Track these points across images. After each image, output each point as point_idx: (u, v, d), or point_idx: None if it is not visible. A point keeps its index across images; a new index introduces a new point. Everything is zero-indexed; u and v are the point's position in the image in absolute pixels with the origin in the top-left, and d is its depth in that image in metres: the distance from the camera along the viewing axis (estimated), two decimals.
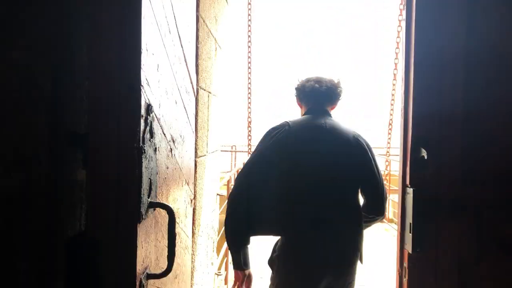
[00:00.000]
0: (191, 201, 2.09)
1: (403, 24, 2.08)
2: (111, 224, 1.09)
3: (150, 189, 1.22)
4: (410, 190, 2.02)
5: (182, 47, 1.73)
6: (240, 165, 7.67)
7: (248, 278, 2.04)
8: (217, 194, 3.32)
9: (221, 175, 10.01)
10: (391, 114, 8.64)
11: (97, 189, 1.09)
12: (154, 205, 1.23)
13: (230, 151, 10.92)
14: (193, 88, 2.07)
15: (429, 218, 1.96)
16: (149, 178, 1.21)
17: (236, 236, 2.01)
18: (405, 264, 2.02)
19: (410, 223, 1.98)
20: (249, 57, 8.17)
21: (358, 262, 2.08)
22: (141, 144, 1.12)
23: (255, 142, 2.88)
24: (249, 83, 8.17)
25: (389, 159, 8.70)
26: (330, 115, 2.12)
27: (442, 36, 1.93)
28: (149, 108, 1.18)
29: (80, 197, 1.16)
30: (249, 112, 8.28)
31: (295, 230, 1.96)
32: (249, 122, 8.32)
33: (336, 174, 2.00)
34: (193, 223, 2.34)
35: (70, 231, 1.16)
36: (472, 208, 1.84)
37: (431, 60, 1.96)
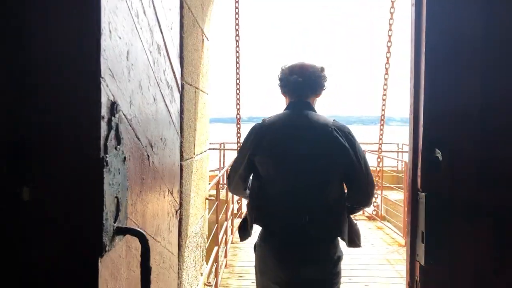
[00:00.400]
0: (176, 212, 1.83)
1: (413, 12, 1.87)
2: (63, 261, 0.83)
3: (118, 210, 0.96)
4: (422, 195, 1.82)
5: (162, 33, 1.46)
6: (229, 163, 7.43)
7: None
8: (206, 199, 3.05)
9: (210, 173, 9.75)
10: (383, 110, 8.44)
11: (43, 215, 0.82)
12: (122, 231, 0.96)
13: (219, 149, 10.65)
14: (177, 82, 1.80)
15: (444, 226, 1.77)
16: (116, 197, 0.94)
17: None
18: (417, 277, 1.84)
19: (423, 232, 1.78)
20: (237, 52, 7.91)
21: (342, 251, 2.11)
22: (102, 154, 0.85)
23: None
24: (238, 78, 7.90)
25: (381, 155, 8.51)
26: (311, 108, 2.14)
27: (457, 25, 1.73)
28: (113, 106, 0.92)
29: (21, 225, 0.89)
30: (238, 109, 8.03)
31: (272, 221, 2.04)
32: (238, 119, 8.07)
33: (311, 169, 2.02)
34: (180, 235, 2.08)
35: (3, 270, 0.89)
36: (492, 212, 1.67)
37: (445, 52, 1.76)
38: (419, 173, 1.89)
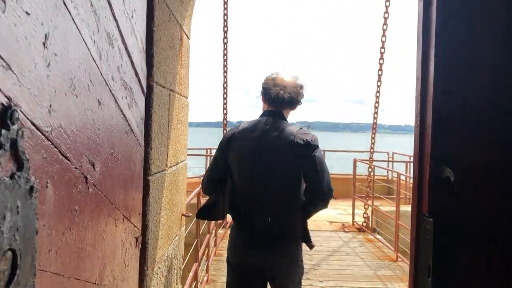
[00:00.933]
0: (137, 239, 1.51)
1: (420, 7, 1.63)
2: None
3: (15, 268, 0.64)
4: (429, 221, 1.56)
5: (116, 20, 1.16)
6: None
7: None
8: (183, 215, 2.73)
9: (196, 180, 9.38)
10: (375, 118, 8.20)
11: None
12: None
13: (205, 155, 10.32)
14: (140, 83, 1.49)
15: (456, 259, 1.51)
16: (10, 249, 0.63)
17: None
18: None
19: (429, 266, 1.52)
20: (225, 55, 7.60)
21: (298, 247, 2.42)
22: None
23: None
24: (225, 82, 7.59)
25: (373, 165, 8.26)
26: (283, 118, 2.42)
27: (473, 20, 1.48)
28: (5, 113, 0.61)
29: None
30: (225, 114, 7.72)
31: (242, 217, 2.38)
32: (225, 124, 7.76)
33: (274, 169, 2.31)
34: (144, 264, 1.76)
35: None
36: None
37: (458, 52, 1.51)
38: (425, 195, 1.63)
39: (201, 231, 5.46)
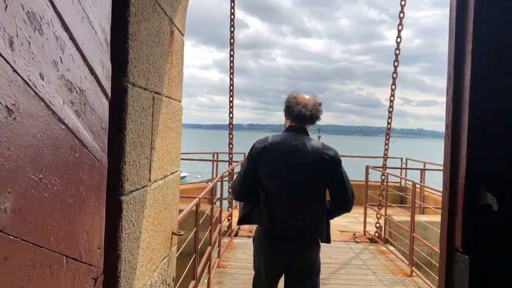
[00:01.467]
0: (96, 280, 1.19)
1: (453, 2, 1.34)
2: None
3: None
4: (463, 258, 1.25)
5: None
6: (220, 173, 6.80)
7: None
8: (173, 233, 2.42)
9: (201, 185, 9.07)
10: (388, 123, 7.81)
11: None
12: None
13: (212, 160, 10.02)
14: (99, 83, 1.18)
15: None
16: None
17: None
18: None
19: None
20: (231, 57, 7.31)
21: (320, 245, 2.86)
22: None
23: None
24: (231, 84, 7.30)
25: (386, 173, 7.87)
26: (306, 133, 2.81)
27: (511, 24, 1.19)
28: None
29: None
30: (231, 118, 7.41)
31: (275, 224, 2.71)
32: (231, 129, 7.45)
33: (305, 182, 2.68)
34: None
35: None
36: None
37: (503, 46, 1.19)
38: (458, 225, 1.33)
39: (201, 242, 5.16)
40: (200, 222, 3.79)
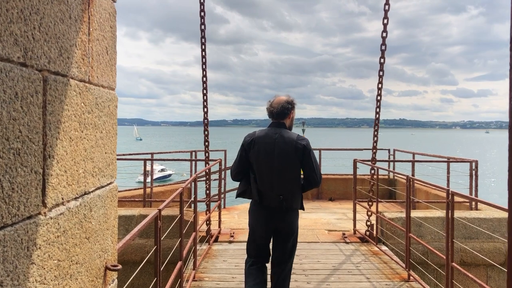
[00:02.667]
0: None
1: None
2: None
3: None
4: None
5: None
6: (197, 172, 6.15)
7: None
8: (107, 269, 1.78)
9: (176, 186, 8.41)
10: (377, 113, 7.22)
11: None
12: None
13: (190, 160, 9.35)
14: None
15: None
16: None
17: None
18: None
19: None
20: (203, 51, 6.64)
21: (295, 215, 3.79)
22: None
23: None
24: (204, 76, 6.64)
25: (376, 166, 7.30)
26: (284, 127, 3.76)
27: None
28: None
29: None
30: (206, 112, 6.75)
31: (262, 199, 3.68)
32: (206, 124, 6.79)
33: (284, 166, 3.62)
34: None
35: None
36: None
37: None
38: None
39: (169, 256, 4.51)
40: (161, 237, 3.15)
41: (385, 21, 6.52)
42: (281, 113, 3.69)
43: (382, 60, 6.77)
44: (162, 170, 45.48)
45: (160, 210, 3.04)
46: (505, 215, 7.07)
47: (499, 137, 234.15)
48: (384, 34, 6.60)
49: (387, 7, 6.46)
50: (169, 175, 44.65)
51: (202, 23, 6.39)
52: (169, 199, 3.66)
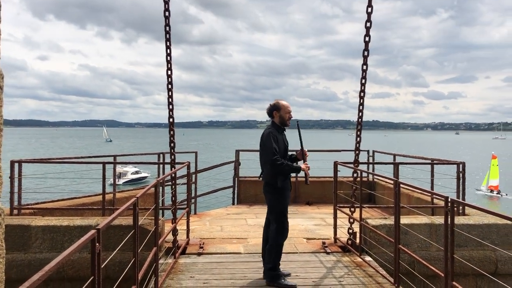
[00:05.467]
0: None
1: None
2: None
3: None
4: None
5: None
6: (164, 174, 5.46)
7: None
8: None
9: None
10: (360, 111, 6.62)
11: None
12: None
13: (157, 163, 8.61)
14: None
15: None
16: None
17: (287, 166, 4.99)
18: None
19: None
20: (168, 48, 5.98)
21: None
22: None
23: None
24: (169, 76, 5.95)
25: (359, 169, 6.75)
26: (271, 123, 5.24)
27: None
28: None
29: None
30: (171, 110, 6.06)
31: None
32: (171, 123, 6.11)
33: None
34: None
35: None
36: None
37: None
38: None
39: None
40: (100, 264, 2.46)
41: (368, 24, 6.03)
42: (269, 112, 5.20)
43: (364, 67, 6.28)
44: (136, 172, 44.14)
45: (99, 231, 2.35)
46: (495, 220, 6.66)
47: (468, 138, 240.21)
48: (367, 39, 6.11)
49: (369, 9, 5.97)
50: (144, 177, 43.35)
51: (167, 24, 5.88)
52: (117, 213, 2.97)
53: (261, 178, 5.16)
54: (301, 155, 5.27)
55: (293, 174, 5.88)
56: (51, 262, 1.71)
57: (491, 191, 35.29)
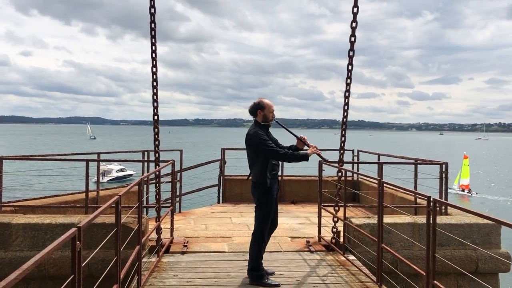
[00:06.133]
0: None
1: None
2: None
3: None
4: None
5: None
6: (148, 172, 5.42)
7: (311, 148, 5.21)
8: None
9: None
10: (345, 110, 6.65)
11: None
12: None
13: (141, 161, 8.55)
14: None
15: None
16: None
17: (292, 155, 5.00)
18: None
19: None
20: (153, 45, 5.93)
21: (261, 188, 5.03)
22: None
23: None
24: (154, 73, 5.92)
25: (343, 169, 6.79)
26: (254, 122, 5.19)
27: None
28: None
29: None
30: (155, 107, 6.01)
31: None
32: (156, 120, 6.07)
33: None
34: None
35: None
36: None
37: None
38: None
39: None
40: (81, 262, 2.42)
41: (354, 24, 6.06)
42: (251, 111, 5.18)
43: (350, 68, 6.31)
44: (122, 170, 43.73)
45: (80, 229, 2.32)
46: (476, 220, 6.76)
47: (452, 138, 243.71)
48: (353, 39, 6.15)
49: (355, 9, 6.00)
50: (130, 175, 42.96)
51: (153, 21, 5.86)
52: (99, 211, 2.93)
53: (249, 179, 5.12)
54: (301, 143, 5.21)
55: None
56: (29, 261, 1.68)
57: (462, 190, 36.05)
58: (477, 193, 36.09)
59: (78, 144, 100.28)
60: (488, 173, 55.21)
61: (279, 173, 6.28)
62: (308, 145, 5.19)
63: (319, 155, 5.26)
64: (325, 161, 5.34)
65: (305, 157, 5.04)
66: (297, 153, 5.05)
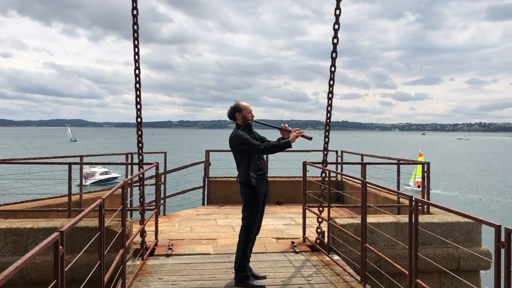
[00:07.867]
0: None
1: None
2: None
3: None
4: None
5: None
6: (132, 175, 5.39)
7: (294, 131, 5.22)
8: None
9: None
10: (328, 111, 6.69)
11: None
12: None
13: (125, 163, 8.48)
14: None
15: None
16: None
17: (273, 146, 5.06)
18: None
19: None
20: (136, 47, 5.89)
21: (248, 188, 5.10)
22: None
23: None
24: (137, 75, 5.88)
25: (327, 169, 6.84)
26: (235, 125, 5.28)
27: None
28: None
29: None
30: (138, 110, 5.98)
31: None
32: (139, 123, 6.04)
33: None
34: None
35: None
36: None
37: None
38: None
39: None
40: (64, 267, 2.40)
41: (336, 26, 6.11)
42: (229, 115, 5.25)
43: (333, 69, 6.35)
44: (106, 172, 43.24)
45: (62, 233, 2.30)
46: (458, 219, 6.88)
47: (434, 138, 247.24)
48: (336, 41, 6.19)
49: (338, 11, 6.05)
50: (114, 178, 42.48)
51: (135, 23, 5.79)
52: (81, 215, 2.91)
53: (238, 180, 5.17)
54: (284, 132, 5.26)
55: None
56: (11, 266, 1.66)
57: (418, 186, 36.75)
58: (431, 189, 36.77)
59: (57, 146, 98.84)
60: (464, 172, 56.18)
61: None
62: (290, 131, 5.22)
63: (303, 136, 5.25)
64: (309, 139, 5.28)
65: (288, 144, 5.06)
66: (277, 142, 5.12)
